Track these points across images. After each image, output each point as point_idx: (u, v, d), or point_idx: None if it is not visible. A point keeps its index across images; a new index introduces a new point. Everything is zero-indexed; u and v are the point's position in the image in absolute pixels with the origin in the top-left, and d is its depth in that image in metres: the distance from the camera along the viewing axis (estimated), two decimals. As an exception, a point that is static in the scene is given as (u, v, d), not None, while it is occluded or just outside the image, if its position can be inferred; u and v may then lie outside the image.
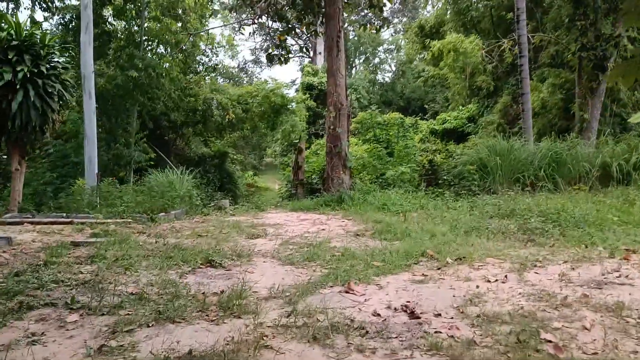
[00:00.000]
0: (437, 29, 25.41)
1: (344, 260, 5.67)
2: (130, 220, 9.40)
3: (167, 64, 17.69)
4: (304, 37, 43.71)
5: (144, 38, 17.12)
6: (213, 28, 19.06)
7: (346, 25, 49.76)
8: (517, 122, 21.49)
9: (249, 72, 51.98)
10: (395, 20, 52.62)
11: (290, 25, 13.35)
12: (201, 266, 5.59)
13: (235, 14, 14.89)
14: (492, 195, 10.72)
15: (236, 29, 13.26)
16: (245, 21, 14.67)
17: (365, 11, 41.80)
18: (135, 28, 17.42)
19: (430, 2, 46.89)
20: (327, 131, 11.90)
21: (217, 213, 11.18)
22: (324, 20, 12.41)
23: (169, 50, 17.97)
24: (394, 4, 49.65)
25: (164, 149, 22.57)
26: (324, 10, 12.24)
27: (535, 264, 5.33)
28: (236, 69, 50.37)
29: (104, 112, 16.84)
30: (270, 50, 13.42)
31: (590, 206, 8.74)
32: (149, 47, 17.81)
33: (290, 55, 51.69)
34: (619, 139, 13.53)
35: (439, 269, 5.33)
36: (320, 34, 13.38)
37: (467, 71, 17.73)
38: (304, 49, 52.81)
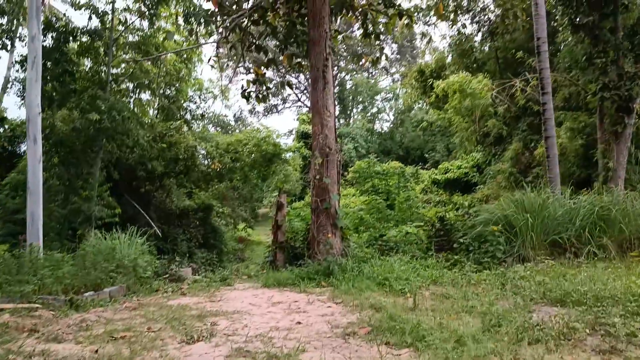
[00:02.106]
0: (438, 73, 23.31)
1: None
2: (38, 305, 6.70)
3: (136, 107, 15.32)
4: (290, 74, 41.85)
5: (110, 78, 14.79)
6: (177, 51, 16.68)
7: (340, 73, 48.17)
8: (530, 170, 19.02)
9: (247, 122, 49.99)
10: (393, 69, 51.15)
11: (269, 58, 10.92)
12: None
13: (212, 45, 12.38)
14: (525, 265, 8.03)
15: (208, 61, 11.04)
16: (216, 48, 12.05)
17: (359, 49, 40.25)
18: (103, 68, 15.11)
19: (428, 51, 45.54)
20: (312, 182, 9.30)
21: (169, 288, 8.45)
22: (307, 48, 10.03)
23: (139, 92, 15.65)
24: (392, 53, 48.30)
25: (142, 202, 19.94)
26: (308, 37, 9.89)
27: None
28: (231, 119, 48.44)
29: (62, 161, 14.35)
30: (245, 87, 10.90)
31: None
32: (117, 89, 15.51)
33: (285, 105, 49.74)
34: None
35: None
36: (304, 68, 10.95)
37: (477, 114, 15.47)
38: (300, 99, 51.15)
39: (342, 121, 46.23)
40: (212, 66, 15.95)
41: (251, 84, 11.16)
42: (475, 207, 18.77)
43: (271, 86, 50.06)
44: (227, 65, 45.04)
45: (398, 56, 50.55)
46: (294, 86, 50.45)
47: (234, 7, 10.68)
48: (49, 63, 14.21)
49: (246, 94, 11.11)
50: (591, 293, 5.87)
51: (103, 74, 15.10)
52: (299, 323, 5.89)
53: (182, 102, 23.51)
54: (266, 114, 52.10)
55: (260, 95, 11.20)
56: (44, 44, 14.32)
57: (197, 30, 13.09)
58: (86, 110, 13.71)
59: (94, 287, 7.77)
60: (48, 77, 14.18)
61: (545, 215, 8.94)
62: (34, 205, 11.50)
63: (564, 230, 8.84)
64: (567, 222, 8.95)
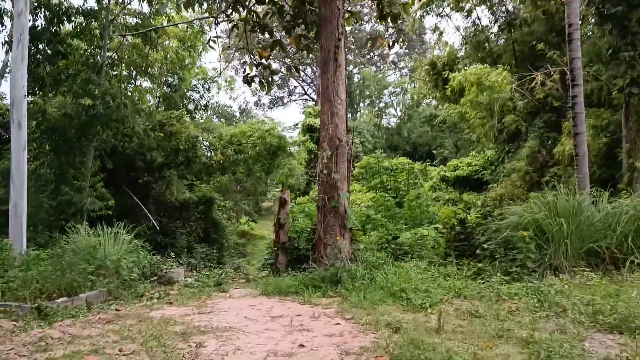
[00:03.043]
0: (450, 66, 22.15)
1: None
2: (-1, 314, 5.70)
3: (135, 93, 14.25)
4: (294, 56, 40.58)
5: (106, 62, 13.70)
6: (177, 24, 15.55)
7: (348, 66, 46.84)
8: (546, 170, 17.88)
9: (252, 114, 48.85)
10: (402, 64, 49.90)
11: (275, 39, 9.80)
12: None
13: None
14: (560, 277, 6.96)
15: (207, 42, 9.97)
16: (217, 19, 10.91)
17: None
18: (99, 51, 14.01)
19: (438, 46, 44.17)
20: (319, 177, 8.20)
21: (156, 293, 7.40)
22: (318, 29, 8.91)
23: (138, 77, 14.56)
24: (401, 48, 47.08)
25: (140, 194, 18.92)
26: (318, 15, 8.77)
27: None
28: (236, 111, 47.31)
29: (53, 149, 13.31)
30: (247, 72, 9.80)
31: None
32: (113, 74, 14.44)
33: (291, 97, 48.67)
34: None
35: None
36: (314, 50, 9.83)
37: (495, 108, 14.33)
38: (307, 92, 49.97)
39: (349, 115, 45.02)
40: (212, 47, 14.93)
41: (254, 68, 10.05)
42: (489, 208, 17.73)
43: (277, 78, 49.02)
44: (232, 54, 43.92)
45: (407, 50, 49.30)
46: (301, 78, 49.34)
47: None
48: (40, 45, 13.20)
49: (249, 78, 10.00)
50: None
51: (98, 57, 14.02)
52: (302, 346, 4.84)
53: (185, 91, 22.48)
54: (272, 106, 51.04)
55: (264, 81, 10.09)
56: (36, 23, 13.30)
57: (199, 10, 12.00)
58: (78, 95, 12.68)
59: (69, 292, 6.74)
60: (40, 58, 13.17)
61: (581, 221, 7.83)
62: (17, 196, 10.52)
63: (602, 237, 7.73)
64: (605, 228, 7.83)
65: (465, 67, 19.05)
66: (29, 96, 13.43)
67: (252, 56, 10.10)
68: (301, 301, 6.77)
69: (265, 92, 10.56)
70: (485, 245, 8.01)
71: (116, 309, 6.26)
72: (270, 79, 10.18)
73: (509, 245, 7.85)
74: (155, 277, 8.21)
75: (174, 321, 5.62)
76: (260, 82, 10.07)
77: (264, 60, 9.91)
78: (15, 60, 10.76)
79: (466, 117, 16.57)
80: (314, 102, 45.21)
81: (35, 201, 13.31)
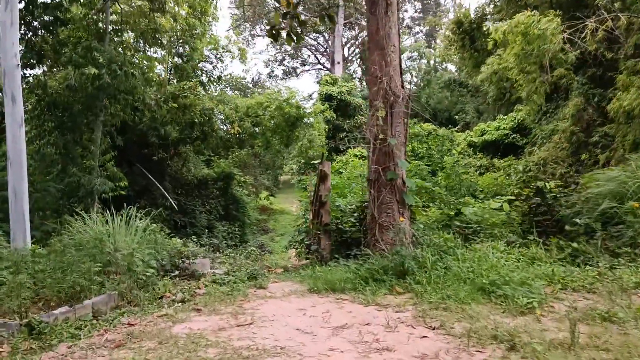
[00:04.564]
0: (478, 24, 20.11)
1: None
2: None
3: (144, 61, 12.59)
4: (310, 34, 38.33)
5: (109, 28, 12.00)
6: None
7: (362, 32, 44.31)
8: (594, 129, 16.03)
9: (265, 86, 46.89)
10: (416, 28, 47.48)
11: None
12: None
13: None
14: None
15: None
16: None
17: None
18: (101, 16, 12.29)
19: (453, 8, 41.69)
20: (372, 145, 6.54)
21: (179, 292, 5.89)
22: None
23: (145, 46, 12.85)
24: (416, 11, 44.71)
25: (156, 172, 17.46)
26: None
27: None
28: (250, 83, 45.41)
29: (58, 125, 11.77)
30: (272, 24, 8.06)
31: None
32: (119, 41, 12.75)
33: (304, 68, 46.68)
34: None
35: None
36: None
37: (546, 61, 12.46)
38: (320, 62, 47.86)
39: (363, 83, 42.91)
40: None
41: (281, 20, 8.32)
42: (531, 173, 16.02)
43: (289, 48, 46.81)
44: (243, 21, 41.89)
45: (421, 15, 46.81)
46: (313, 47, 47.19)
47: None
48: (36, 10, 11.55)
49: (274, 31, 8.27)
50: None
51: (101, 23, 12.33)
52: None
53: (198, 61, 20.76)
54: (285, 77, 48.93)
55: (293, 33, 8.37)
56: (32, -13, 11.61)
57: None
58: (80, 64, 11.06)
59: (71, 298, 5.27)
60: (37, 26, 11.55)
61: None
62: (16, 179, 9.02)
63: None
64: None
65: (496, 23, 17.08)
66: (27, 69, 11.88)
67: (277, 5, 8.36)
68: (363, 301, 5.21)
69: (293, 45, 9.04)
70: (577, 220, 6.35)
71: (129, 323, 4.76)
72: (299, 30, 8.45)
73: (609, 219, 6.20)
74: (177, 271, 6.71)
75: (206, 341, 4.10)
76: (288, 34, 8.35)
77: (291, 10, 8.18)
78: (4, 25, 9.13)
79: (508, 75, 14.65)
80: (327, 71, 43.16)
81: (40, 184, 11.90)
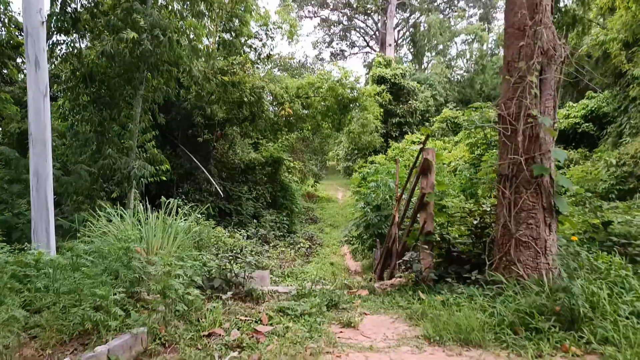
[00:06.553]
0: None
1: None
2: None
3: (191, 28, 10.77)
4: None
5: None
6: None
7: (414, 13, 41.51)
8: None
9: (311, 69, 44.87)
10: (471, 11, 44.29)
11: None
12: None
13: None
14: None
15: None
16: None
17: None
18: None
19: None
20: (509, 126, 4.44)
21: (233, 327, 4.04)
22: None
23: (192, 9, 11.01)
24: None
25: (200, 154, 15.82)
26: None
27: None
28: (297, 63, 43.43)
29: (93, 100, 10.16)
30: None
31: None
32: (163, 3, 11.02)
33: (352, 51, 44.44)
34: None
35: None
36: None
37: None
38: (369, 44, 45.37)
39: (415, 66, 40.27)
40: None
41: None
42: (626, 167, 13.58)
43: (337, 30, 44.59)
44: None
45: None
46: (362, 30, 44.71)
47: None
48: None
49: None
50: None
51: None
52: None
53: (247, 38, 18.94)
54: (332, 59, 46.68)
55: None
56: None
57: None
58: (120, 27, 9.34)
59: (79, 337, 3.50)
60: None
61: None
62: (38, 160, 7.38)
63: None
64: None
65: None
66: (61, 34, 10.25)
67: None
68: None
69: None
70: None
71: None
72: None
73: None
74: (230, 293, 4.87)
75: None
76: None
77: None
78: (26, -25, 7.48)
79: (608, 49, 12.24)
80: (376, 53, 40.72)
81: (76, 166, 10.36)
